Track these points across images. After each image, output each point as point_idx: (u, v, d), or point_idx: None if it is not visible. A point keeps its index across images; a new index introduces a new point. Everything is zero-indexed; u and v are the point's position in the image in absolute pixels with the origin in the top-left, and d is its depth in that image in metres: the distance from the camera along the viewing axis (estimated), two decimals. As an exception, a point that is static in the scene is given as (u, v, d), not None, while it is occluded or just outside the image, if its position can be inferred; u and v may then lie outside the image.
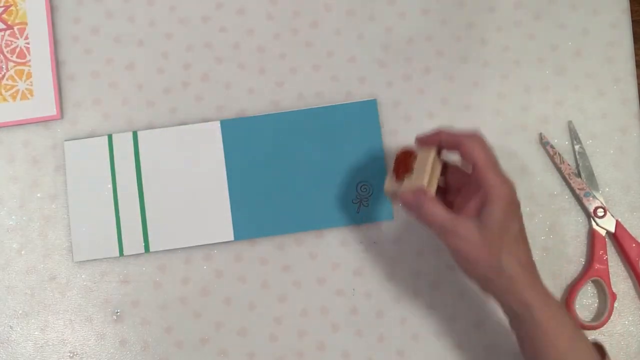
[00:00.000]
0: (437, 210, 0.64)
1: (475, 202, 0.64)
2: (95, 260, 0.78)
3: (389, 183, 0.69)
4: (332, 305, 0.77)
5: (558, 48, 0.81)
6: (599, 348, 0.67)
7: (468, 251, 0.63)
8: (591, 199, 0.78)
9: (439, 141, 0.67)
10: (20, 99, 0.79)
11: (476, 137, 0.65)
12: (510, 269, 0.63)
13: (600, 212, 0.77)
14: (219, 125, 0.79)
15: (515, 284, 0.63)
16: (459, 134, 0.65)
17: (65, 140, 0.79)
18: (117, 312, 0.77)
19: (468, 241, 0.63)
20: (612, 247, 0.78)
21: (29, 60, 0.80)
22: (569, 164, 0.78)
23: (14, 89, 0.79)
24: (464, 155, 0.64)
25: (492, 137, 0.78)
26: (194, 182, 0.78)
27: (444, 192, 0.70)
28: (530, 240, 0.76)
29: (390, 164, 0.73)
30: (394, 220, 0.78)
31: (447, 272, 0.78)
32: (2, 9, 0.80)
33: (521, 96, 0.80)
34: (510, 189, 0.63)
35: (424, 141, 0.68)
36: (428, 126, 0.78)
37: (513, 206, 0.63)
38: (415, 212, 0.66)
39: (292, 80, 0.80)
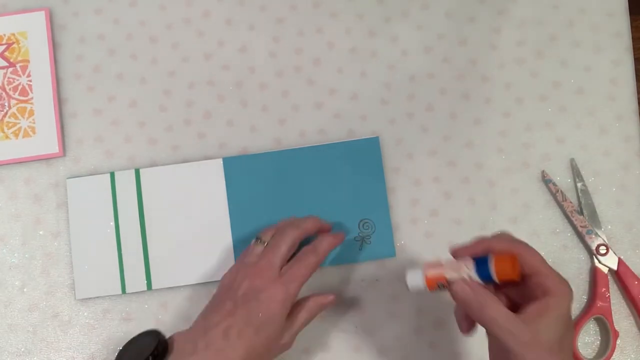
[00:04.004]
0: (502, 314, 0.64)
1: (537, 307, 0.64)
2: (97, 297, 0.85)
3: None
4: (334, 343, 0.84)
5: (560, 85, 0.88)
6: None
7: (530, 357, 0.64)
8: (593, 236, 0.84)
9: (479, 251, 0.69)
10: (23, 137, 0.86)
11: (522, 243, 0.68)
12: None
13: (602, 250, 0.84)
14: (222, 162, 0.86)
15: None
16: (514, 245, 0.67)
17: (68, 178, 0.86)
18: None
19: (531, 347, 0.63)
20: (615, 285, 0.85)
21: (32, 98, 0.87)
22: (571, 202, 0.85)
23: (16, 127, 0.86)
24: (522, 264, 0.66)
25: (494, 175, 0.86)
26: (196, 219, 0.85)
27: None
28: (532, 278, 0.83)
29: (392, 201, 0.81)
30: (396, 257, 0.85)
31: (450, 310, 0.84)
32: (5, 46, 0.87)
33: (523, 133, 0.87)
34: (569, 293, 0.65)
35: (460, 253, 0.69)
36: (430, 164, 0.86)
37: (569, 311, 0.65)
38: (472, 311, 0.66)
39: (294, 117, 0.88)
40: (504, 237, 0.69)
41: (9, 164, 0.87)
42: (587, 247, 0.85)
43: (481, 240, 0.69)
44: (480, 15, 0.89)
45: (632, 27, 0.89)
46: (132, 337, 0.75)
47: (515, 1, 0.90)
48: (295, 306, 0.76)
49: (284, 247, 0.76)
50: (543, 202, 0.86)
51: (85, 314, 0.85)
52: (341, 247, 0.85)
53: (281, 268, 0.75)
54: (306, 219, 0.80)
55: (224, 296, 0.75)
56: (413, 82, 0.88)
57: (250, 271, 0.75)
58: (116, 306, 0.85)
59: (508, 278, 0.65)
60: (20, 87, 0.87)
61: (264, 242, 0.77)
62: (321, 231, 0.81)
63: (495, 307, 0.64)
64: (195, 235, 0.85)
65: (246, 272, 0.75)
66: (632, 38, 0.89)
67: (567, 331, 0.65)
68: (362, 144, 0.86)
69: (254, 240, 0.79)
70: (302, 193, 0.85)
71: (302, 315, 0.76)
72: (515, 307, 0.66)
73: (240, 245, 0.84)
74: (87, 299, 0.85)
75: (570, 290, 0.65)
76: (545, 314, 0.63)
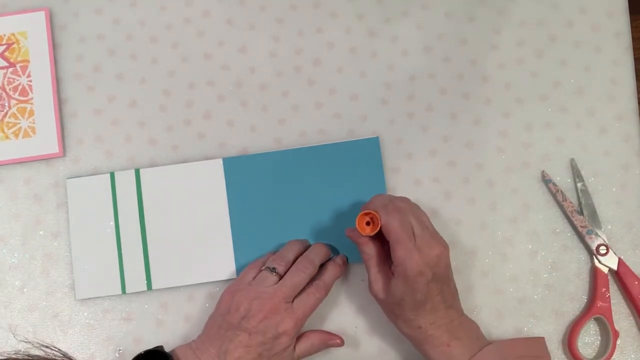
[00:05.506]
0: (368, 260, 0.80)
1: (392, 268, 0.77)
2: (97, 297, 0.86)
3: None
4: (335, 343, 0.85)
5: (560, 85, 0.89)
6: None
7: (377, 303, 0.81)
8: (593, 236, 0.86)
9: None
10: (23, 137, 0.88)
11: (394, 208, 0.77)
12: (407, 330, 0.78)
13: (602, 250, 0.86)
14: (222, 162, 0.87)
15: (414, 340, 0.80)
16: (378, 206, 0.78)
17: (68, 178, 0.87)
18: (120, 350, 0.85)
19: (376, 297, 0.80)
20: (615, 285, 0.86)
21: (32, 98, 0.88)
22: (571, 202, 0.86)
23: (16, 127, 0.88)
24: (381, 227, 0.77)
25: (494, 175, 0.87)
26: (196, 219, 0.87)
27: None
28: (532, 278, 0.86)
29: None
30: (396, 257, 0.86)
31: (449, 310, 0.86)
32: (5, 46, 0.89)
33: (523, 133, 0.89)
34: (412, 266, 0.75)
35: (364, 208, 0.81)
36: (430, 163, 0.87)
37: (415, 281, 0.75)
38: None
39: (294, 117, 0.89)
40: (380, 198, 0.80)
41: (9, 164, 0.88)
42: (587, 247, 0.86)
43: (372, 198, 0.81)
44: (480, 15, 0.91)
45: (632, 27, 0.91)
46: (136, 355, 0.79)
47: (515, 1, 0.91)
48: (301, 336, 0.81)
49: (301, 284, 0.80)
50: (543, 202, 0.88)
51: (85, 314, 0.86)
52: (341, 248, 0.86)
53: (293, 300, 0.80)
54: (318, 251, 0.83)
55: (235, 322, 0.77)
56: (413, 82, 0.90)
57: (266, 304, 0.77)
58: (116, 306, 0.86)
59: (365, 233, 0.78)
60: (20, 87, 0.88)
61: (279, 274, 0.80)
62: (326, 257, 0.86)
63: (364, 248, 0.80)
64: (195, 235, 0.86)
65: (262, 304, 0.77)
66: (632, 38, 0.90)
67: (413, 293, 0.75)
68: (362, 144, 0.88)
69: (265, 269, 0.81)
70: (302, 193, 0.87)
71: (305, 347, 0.82)
72: None
73: (240, 244, 0.86)
74: (87, 299, 0.86)
75: (421, 262, 0.74)
76: (393, 277, 0.77)
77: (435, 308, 0.77)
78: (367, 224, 0.78)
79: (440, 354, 0.77)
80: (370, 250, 0.79)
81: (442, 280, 0.77)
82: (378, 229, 0.77)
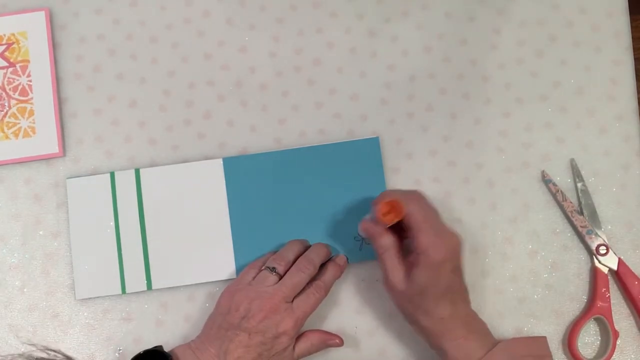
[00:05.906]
0: (385, 252, 0.79)
1: (411, 258, 0.77)
2: (97, 297, 0.87)
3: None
4: (335, 343, 0.86)
5: (560, 85, 0.90)
6: None
7: (394, 297, 0.80)
8: (593, 236, 0.86)
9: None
10: (23, 137, 0.88)
11: (414, 197, 0.78)
12: (426, 322, 0.78)
13: (602, 250, 0.86)
14: (221, 162, 0.87)
15: (431, 333, 0.78)
16: (399, 195, 0.77)
17: (68, 178, 0.88)
18: (120, 350, 0.86)
19: (395, 289, 0.79)
20: (615, 285, 0.87)
21: (32, 98, 0.88)
22: (571, 202, 0.87)
23: (16, 127, 0.88)
24: (406, 216, 0.77)
25: (494, 175, 0.87)
26: (196, 219, 0.87)
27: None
28: (532, 278, 0.86)
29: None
30: (396, 257, 0.87)
31: (449, 310, 0.86)
32: (5, 46, 0.89)
33: (523, 133, 0.89)
34: (438, 253, 0.75)
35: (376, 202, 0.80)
36: (430, 163, 0.87)
37: (439, 269, 0.76)
38: (372, 243, 0.81)
39: (294, 117, 0.89)
40: (398, 191, 0.80)
41: (9, 164, 0.88)
42: (587, 247, 0.87)
43: (382, 193, 0.80)
44: (480, 15, 0.91)
45: (632, 27, 0.91)
46: (136, 355, 0.80)
47: (515, 1, 0.91)
48: (301, 336, 0.82)
49: (301, 284, 0.80)
50: (543, 202, 0.88)
51: (85, 314, 0.86)
52: (341, 248, 0.86)
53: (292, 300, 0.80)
54: (318, 251, 0.83)
55: (235, 322, 0.77)
56: (413, 82, 0.90)
57: (266, 304, 0.77)
58: (116, 306, 0.86)
59: (387, 220, 0.76)
60: (20, 87, 0.89)
61: (279, 274, 0.80)
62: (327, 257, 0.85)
63: (381, 241, 0.79)
64: (195, 235, 0.87)
65: (262, 303, 0.77)
66: (632, 38, 0.91)
67: (437, 281, 0.76)
68: (362, 144, 0.88)
69: (265, 269, 0.81)
70: (302, 193, 0.87)
71: (305, 347, 0.82)
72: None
73: (240, 244, 0.86)
74: (87, 299, 0.86)
75: (445, 249, 0.75)
76: (415, 266, 0.76)
77: (454, 300, 0.77)
78: (385, 214, 0.77)
79: (457, 347, 0.77)
80: (388, 241, 0.79)
81: (459, 272, 0.78)
82: (402, 216, 0.76)
